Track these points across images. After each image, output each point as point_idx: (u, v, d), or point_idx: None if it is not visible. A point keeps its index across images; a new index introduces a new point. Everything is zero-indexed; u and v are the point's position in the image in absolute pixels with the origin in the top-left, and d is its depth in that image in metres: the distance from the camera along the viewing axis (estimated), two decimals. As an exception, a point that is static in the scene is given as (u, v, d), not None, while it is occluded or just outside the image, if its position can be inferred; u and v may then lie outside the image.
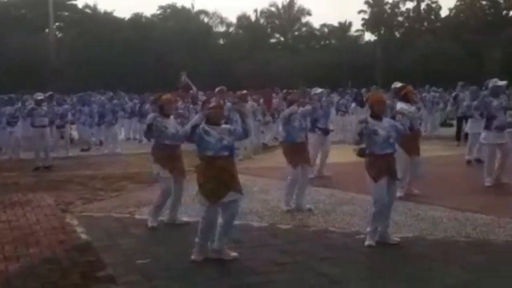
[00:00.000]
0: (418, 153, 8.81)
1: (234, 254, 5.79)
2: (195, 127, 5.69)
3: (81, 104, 18.56)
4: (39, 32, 50.92)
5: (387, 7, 61.93)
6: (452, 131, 18.20)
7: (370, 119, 6.22)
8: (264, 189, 9.56)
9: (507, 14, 55.71)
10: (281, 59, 51.71)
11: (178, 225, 7.22)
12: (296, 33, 63.49)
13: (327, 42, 63.19)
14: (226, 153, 5.67)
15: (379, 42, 58.47)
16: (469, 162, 11.99)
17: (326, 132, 10.82)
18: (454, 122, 19.89)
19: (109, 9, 63.29)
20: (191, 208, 7.54)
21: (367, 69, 49.25)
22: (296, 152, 7.96)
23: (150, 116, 7.35)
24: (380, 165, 6.09)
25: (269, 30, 63.10)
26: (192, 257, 5.70)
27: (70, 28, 54.64)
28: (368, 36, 64.09)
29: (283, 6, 62.51)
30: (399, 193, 8.12)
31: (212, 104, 5.89)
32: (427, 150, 11.82)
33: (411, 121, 8.27)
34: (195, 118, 6.00)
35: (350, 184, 9.50)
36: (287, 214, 7.65)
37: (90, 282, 5.23)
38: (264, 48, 55.75)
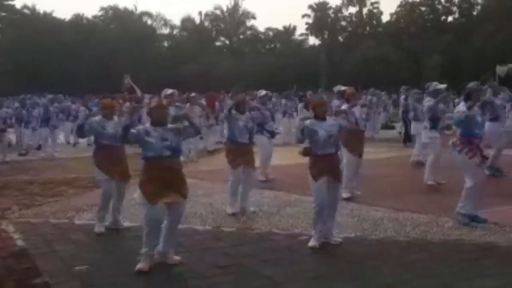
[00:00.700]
0: (361, 155, 8.92)
1: (177, 258, 5.70)
2: (125, 128, 5.59)
3: (23, 108, 17.98)
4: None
5: (330, 11, 63.07)
6: (394, 133, 18.68)
7: (312, 120, 6.29)
8: (208, 192, 9.49)
9: (445, 20, 57.67)
10: (227, 62, 51.78)
11: (120, 230, 7.05)
12: (241, 36, 63.78)
13: (272, 45, 63.75)
14: (168, 153, 5.57)
15: (323, 46, 59.43)
16: (417, 162, 12.24)
17: (273, 134, 10.85)
18: (397, 125, 20.45)
19: (48, 10, 61.66)
20: (131, 212, 7.41)
21: (311, 72, 49.95)
22: (238, 153, 7.94)
23: (82, 116, 7.28)
24: (321, 165, 6.15)
25: (214, 33, 63.09)
26: (138, 266, 5.48)
27: (8, 29, 52.88)
28: (313, 40, 65.20)
29: (228, 9, 62.71)
30: (344, 194, 8.28)
31: (153, 104, 5.79)
32: (371, 152, 12.07)
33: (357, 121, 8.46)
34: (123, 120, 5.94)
35: (294, 186, 9.56)
36: (231, 217, 7.62)
37: (25, 290, 5.04)
38: (209, 51, 55.64)
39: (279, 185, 10.12)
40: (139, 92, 17.39)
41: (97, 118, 7.14)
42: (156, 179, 5.48)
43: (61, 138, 18.96)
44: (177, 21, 62.30)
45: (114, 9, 60.15)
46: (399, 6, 58.59)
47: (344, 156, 8.69)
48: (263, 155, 10.51)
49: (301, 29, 65.55)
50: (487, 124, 10.14)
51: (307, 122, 6.34)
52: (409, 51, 51.55)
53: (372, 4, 62.34)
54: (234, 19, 62.46)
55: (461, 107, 7.06)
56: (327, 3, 62.73)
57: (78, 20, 57.37)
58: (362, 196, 8.71)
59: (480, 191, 6.96)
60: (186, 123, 5.85)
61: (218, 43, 63.63)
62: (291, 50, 56.76)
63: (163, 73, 47.68)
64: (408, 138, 16.18)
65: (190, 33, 60.51)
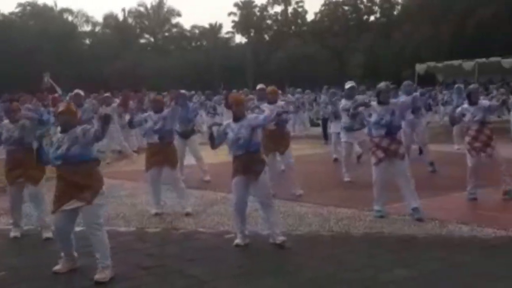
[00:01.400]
0: (282, 152, 8.98)
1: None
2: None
3: None
4: None
5: (256, 10, 63.40)
6: (319, 130, 19.00)
7: (229, 122, 6.31)
8: (132, 192, 9.31)
9: (367, 19, 59.36)
10: (151, 60, 50.94)
11: (38, 235, 6.77)
12: (166, 34, 62.92)
13: (198, 43, 63.34)
14: (58, 163, 5.26)
15: (249, 44, 59.70)
16: (335, 160, 12.52)
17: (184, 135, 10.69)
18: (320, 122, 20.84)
19: (-39, 5, 58.51)
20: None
21: (238, 70, 50.07)
22: (151, 153, 7.84)
23: None
24: (235, 165, 6.17)
25: (138, 30, 61.89)
26: (55, 267, 5.35)
27: None
28: (239, 38, 65.26)
29: (152, 7, 61.66)
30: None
31: (60, 109, 5.46)
32: (296, 149, 12.20)
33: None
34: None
35: (221, 184, 9.50)
36: (155, 217, 7.49)
37: None
38: (133, 49, 54.54)
39: (206, 184, 10.06)
40: (59, 91, 16.84)
41: (5, 121, 6.83)
42: (56, 188, 5.31)
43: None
44: (99, 18, 60.64)
45: (33, 5, 57.73)
46: (323, 5, 59.75)
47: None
48: (197, 156, 10.46)
49: (227, 27, 65.68)
50: (409, 121, 10.57)
51: (224, 124, 6.39)
52: (334, 49, 52.69)
53: (297, 3, 63.27)
54: (159, 16, 61.57)
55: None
56: (253, 2, 63.06)
57: (-7, 16, 54.78)
58: (287, 193, 8.79)
59: (382, 188, 7.23)
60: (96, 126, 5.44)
61: (142, 41, 62.47)
62: (218, 48, 56.63)
63: (86, 71, 46.30)
64: (326, 136, 16.55)
65: (113, 30, 59.07)
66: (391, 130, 7.11)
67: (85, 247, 5.47)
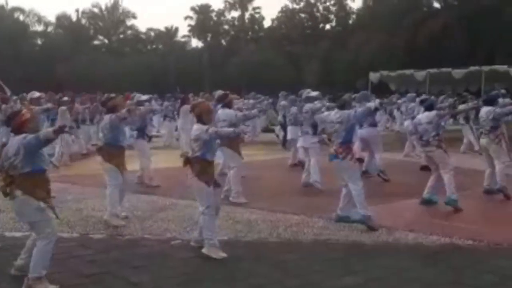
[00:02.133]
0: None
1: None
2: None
3: None
4: None
5: (213, 14, 63.34)
6: (274, 136, 19.08)
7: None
8: (78, 197, 9.03)
9: (323, 27, 60.11)
10: (106, 62, 50.14)
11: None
12: (121, 36, 62.06)
13: (154, 46, 62.74)
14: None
15: (206, 48, 59.54)
16: (294, 165, 12.47)
17: (149, 138, 10.66)
18: (276, 128, 20.88)
19: None
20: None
21: (194, 74, 49.84)
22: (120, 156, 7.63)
23: None
24: (209, 171, 6.08)
25: (92, 31, 60.80)
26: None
27: None
28: (195, 43, 65.01)
29: (107, 8, 60.74)
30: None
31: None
32: (250, 154, 12.17)
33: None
34: None
35: (172, 189, 9.41)
36: (100, 223, 7.26)
37: None
38: (87, 50, 53.54)
39: (155, 189, 9.87)
40: (8, 92, 16.28)
41: None
42: None
43: None
44: (52, 18, 59.23)
45: (-18, 3, 56.11)
46: (280, 12, 60.27)
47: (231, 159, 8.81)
48: (145, 159, 10.26)
49: (183, 30, 65.21)
50: (367, 130, 10.70)
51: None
52: (290, 56, 53.10)
53: (254, 9, 63.55)
54: (114, 18, 60.67)
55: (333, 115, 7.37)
56: (210, 6, 62.99)
57: None
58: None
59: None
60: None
61: (96, 42, 61.42)
62: (174, 52, 56.21)
63: (38, 72, 45.16)
64: (284, 142, 16.55)
65: (66, 31, 57.83)
66: (348, 138, 7.25)
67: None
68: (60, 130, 4.98)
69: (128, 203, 8.05)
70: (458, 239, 6.44)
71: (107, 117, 7.67)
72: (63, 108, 13.16)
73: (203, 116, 6.18)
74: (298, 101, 12.51)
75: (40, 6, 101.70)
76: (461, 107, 12.44)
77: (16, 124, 5.11)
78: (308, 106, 10.27)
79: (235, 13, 63.77)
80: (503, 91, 13.88)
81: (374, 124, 11.15)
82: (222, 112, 8.94)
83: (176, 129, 17.52)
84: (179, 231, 6.76)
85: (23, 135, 4.97)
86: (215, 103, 10.17)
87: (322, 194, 9.27)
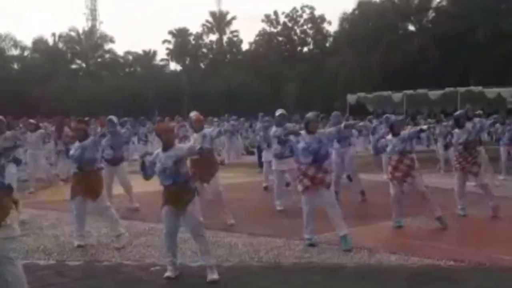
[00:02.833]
0: (206, 181, 8.86)
1: None
2: None
3: None
4: None
5: (191, 38, 63.59)
6: (254, 158, 19.04)
7: (158, 151, 6.13)
8: (54, 223, 8.87)
9: (301, 50, 60.70)
10: (83, 86, 49.85)
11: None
12: (99, 59, 61.84)
13: (132, 69, 62.62)
14: None
15: (184, 71, 59.61)
16: (265, 188, 12.49)
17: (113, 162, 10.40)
18: (255, 150, 20.87)
19: None
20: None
21: (173, 97, 49.74)
22: (76, 182, 7.61)
23: None
24: (165, 195, 6.02)
25: (69, 55, 60.46)
26: None
27: None
28: (174, 66, 65.07)
29: (84, 32, 60.54)
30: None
31: None
32: (229, 177, 12.13)
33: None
34: None
35: (151, 214, 9.23)
36: (77, 250, 7.12)
37: None
38: (64, 74, 53.17)
39: (135, 214, 9.75)
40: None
41: None
42: None
43: None
44: (28, 42, 58.76)
45: (-42, 27, 55.64)
46: (258, 35, 60.74)
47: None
48: (124, 184, 10.16)
49: (161, 54, 65.15)
50: (338, 150, 10.75)
51: (154, 154, 6.20)
52: (268, 78, 53.41)
53: (231, 32, 64.00)
54: (91, 42, 60.47)
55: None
56: (188, 30, 63.26)
57: None
58: (219, 223, 8.62)
59: (309, 216, 7.28)
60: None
61: (73, 66, 61.06)
62: (152, 75, 56.13)
63: (14, 95, 44.67)
64: (261, 164, 16.51)
65: (42, 55, 57.42)
66: (317, 158, 7.14)
67: None
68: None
69: (106, 229, 7.91)
70: (440, 260, 6.42)
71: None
72: (42, 131, 13.09)
73: (162, 136, 6.16)
74: (269, 123, 12.51)
75: (16, 30, 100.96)
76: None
77: None
78: (273, 130, 10.31)
79: (213, 37, 64.20)
80: (479, 111, 14.03)
81: (349, 144, 11.22)
82: (197, 136, 8.85)
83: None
84: (158, 257, 6.63)
85: None
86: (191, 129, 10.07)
87: (301, 216, 9.21)
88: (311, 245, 7.15)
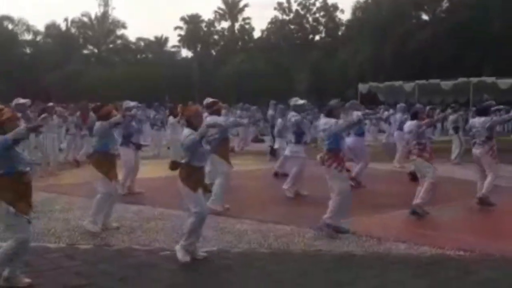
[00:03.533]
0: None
1: (27, 280, 5.20)
2: None
3: None
4: None
5: (203, 25, 63.48)
6: (264, 146, 19.03)
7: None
8: (65, 207, 8.89)
9: (313, 38, 60.39)
10: (95, 71, 49.99)
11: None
12: (111, 45, 61.94)
13: (144, 56, 62.68)
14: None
15: (195, 58, 59.58)
16: (276, 174, 12.45)
17: (138, 147, 10.55)
18: (266, 138, 20.87)
19: None
20: None
21: (184, 84, 49.79)
22: (111, 164, 7.55)
23: None
24: (197, 177, 6.03)
25: (81, 40, 60.61)
26: None
27: None
28: (185, 53, 65.05)
29: (97, 17, 60.63)
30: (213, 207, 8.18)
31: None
32: (239, 164, 12.10)
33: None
34: None
35: (160, 199, 9.31)
36: (88, 234, 7.14)
37: None
38: (76, 59, 53.35)
39: (144, 199, 9.77)
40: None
41: None
42: None
43: None
44: (41, 27, 58.95)
45: (-29, 11, 55.91)
46: (270, 23, 60.51)
47: (219, 166, 8.75)
48: (127, 168, 10.14)
49: (173, 40, 65.20)
50: (354, 139, 10.71)
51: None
52: (280, 66, 53.25)
53: (244, 19, 63.80)
54: (103, 27, 60.54)
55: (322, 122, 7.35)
56: (200, 16, 63.19)
57: None
58: (229, 209, 8.64)
59: (347, 203, 7.19)
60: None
61: (85, 51, 61.21)
62: (163, 62, 56.16)
63: (26, 80, 44.94)
64: (273, 152, 16.47)
65: (55, 40, 57.58)
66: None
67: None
68: (33, 128, 4.90)
69: (115, 213, 7.94)
70: (449, 250, 6.38)
71: (98, 124, 7.60)
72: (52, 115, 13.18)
73: (192, 119, 6.17)
74: (286, 111, 12.50)
75: (29, 15, 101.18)
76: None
77: None
78: (291, 115, 10.30)
79: (225, 24, 64.06)
80: (491, 102, 13.91)
81: (361, 134, 11.17)
82: (211, 118, 8.86)
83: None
84: (167, 242, 6.65)
85: None
86: (204, 110, 10.14)
87: (312, 203, 9.20)
88: (330, 235, 7.05)
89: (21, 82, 43.78)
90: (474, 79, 26.36)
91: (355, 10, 50.75)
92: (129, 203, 9.28)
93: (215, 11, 63.47)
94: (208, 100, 9.54)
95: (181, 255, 5.94)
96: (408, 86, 28.81)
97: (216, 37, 64.40)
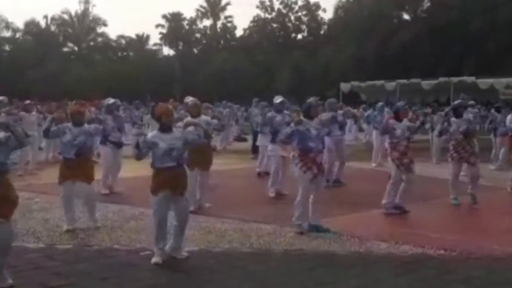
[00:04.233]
0: (206, 168, 8.79)
1: (10, 281, 5.13)
2: None
3: None
4: None
5: (185, 23, 63.19)
6: (246, 145, 18.99)
7: (155, 132, 6.08)
8: (45, 207, 8.80)
9: (295, 37, 60.43)
10: (75, 69, 49.50)
11: None
12: (92, 43, 61.37)
13: (125, 54, 62.21)
14: None
15: (177, 56, 59.30)
16: (259, 174, 12.44)
17: (119, 145, 10.43)
18: (249, 137, 20.81)
19: None
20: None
21: (165, 82, 49.53)
22: (66, 167, 7.46)
23: None
24: (162, 179, 5.93)
25: (61, 38, 59.94)
26: None
27: None
28: (167, 51, 64.70)
29: (77, 15, 60.02)
30: (191, 208, 8.08)
31: None
32: (221, 163, 12.08)
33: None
34: None
35: (140, 199, 9.15)
36: (67, 234, 7.07)
37: None
38: (56, 57, 52.76)
39: (125, 199, 9.71)
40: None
41: None
42: None
43: None
44: (20, 24, 58.15)
45: (-52, 7, 55.01)
46: (252, 21, 60.41)
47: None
48: (105, 167, 10.05)
49: (155, 38, 64.87)
50: (334, 138, 10.70)
51: (149, 134, 6.15)
52: (262, 65, 53.22)
53: (226, 18, 63.64)
54: (84, 25, 59.96)
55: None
56: (181, 14, 62.89)
57: None
58: (210, 208, 8.62)
59: (306, 204, 7.21)
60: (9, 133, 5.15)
61: (66, 49, 60.57)
62: (145, 59, 55.79)
63: (4, 78, 44.29)
64: (255, 150, 16.43)
65: (34, 37, 56.89)
66: (322, 145, 7.29)
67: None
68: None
69: (97, 213, 7.85)
70: (430, 249, 6.43)
71: None
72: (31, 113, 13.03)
73: (163, 118, 6.09)
74: (266, 108, 12.49)
75: (8, 11, 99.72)
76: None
77: None
78: (270, 115, 10.29)
79: (207, 22, 63.82)
80: (471, 102, 14.08)
81: (341, 133, 11.19)
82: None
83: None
84: (148, 242, 6.58)
85: None
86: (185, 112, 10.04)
87: (293, 202, 9.19)
88: (302, 233, 7.12)
89: (1, 79, 43.17)
90: (454, 79, 26.68)
91: (337, 9, 50.90)
92: (109, 202, 9.21)
93: (197, 9, 63.27)
94: (189, 98, 9.46)
95: (154, 257, 5.93)
96: (390, 85, 29.07)
97: (198, 35, 64.14)
